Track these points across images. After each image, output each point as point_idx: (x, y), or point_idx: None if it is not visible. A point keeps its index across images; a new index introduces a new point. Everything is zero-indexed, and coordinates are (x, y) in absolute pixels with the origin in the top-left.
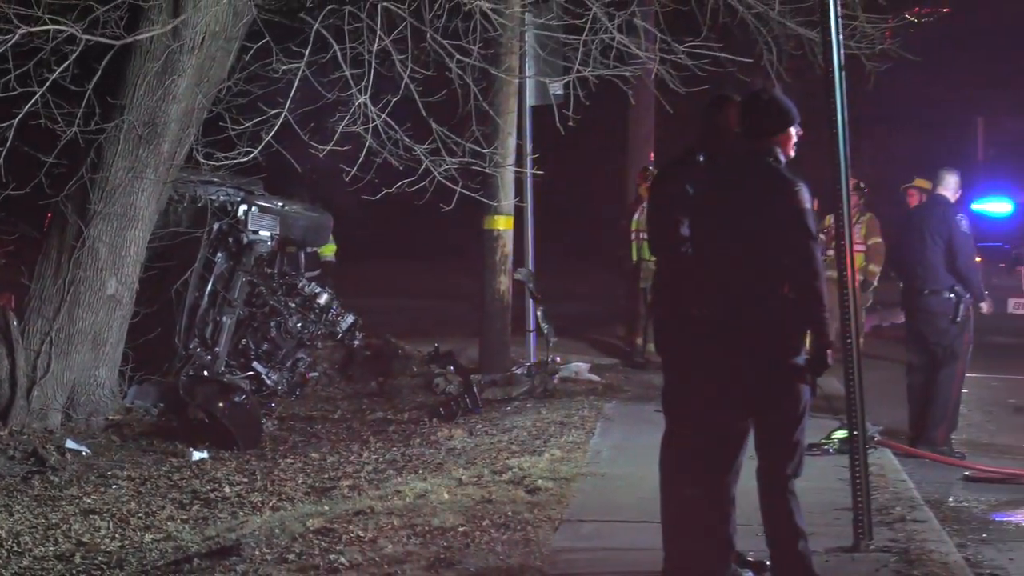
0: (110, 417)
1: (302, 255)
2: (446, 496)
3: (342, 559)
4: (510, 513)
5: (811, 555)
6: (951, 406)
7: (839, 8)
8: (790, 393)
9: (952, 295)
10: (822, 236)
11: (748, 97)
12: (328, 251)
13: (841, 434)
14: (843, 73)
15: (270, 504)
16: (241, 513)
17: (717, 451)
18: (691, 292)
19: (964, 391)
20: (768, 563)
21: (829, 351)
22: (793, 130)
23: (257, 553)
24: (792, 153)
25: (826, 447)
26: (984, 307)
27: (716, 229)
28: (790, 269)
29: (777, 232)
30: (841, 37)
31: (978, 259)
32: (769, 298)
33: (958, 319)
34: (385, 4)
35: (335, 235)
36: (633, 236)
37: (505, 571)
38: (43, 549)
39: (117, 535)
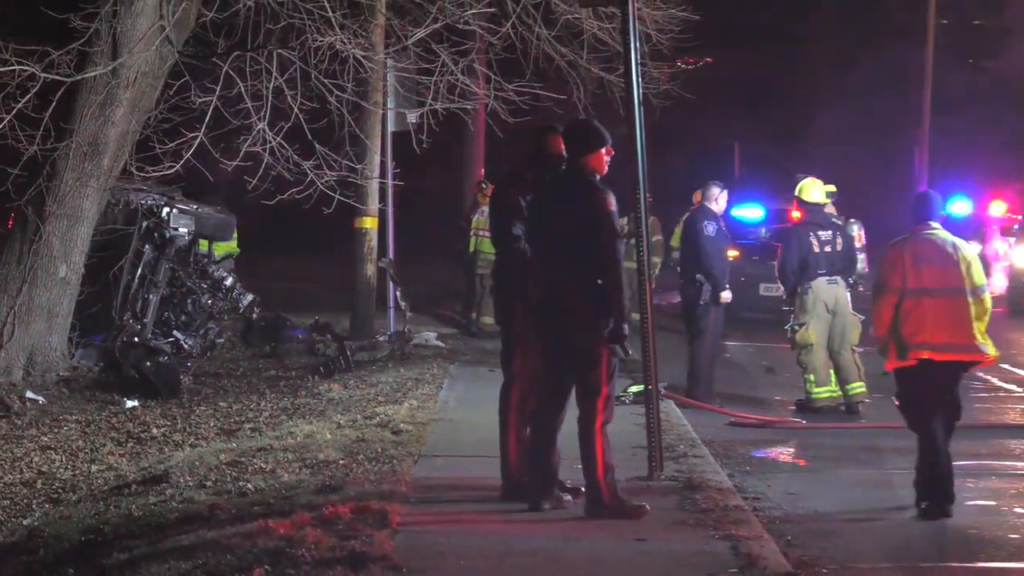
0: (61, 374)
1: (211, 247)
2: (328, 436)
3: (249, 485)
4: (379, 450)
5: (616, 483)
6: (704, 368)
7: (639, 58)
8: (600, 356)
9: (698, 283)
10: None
11: (569, 125)
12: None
13: (635, 389)
14: (642, 108)
15: (189, 442)
16: (166, 449)
17: (545, 400)
18: (525, 278)
19: (727, 356)
20: (583, 488)
21: (625, 324)
22: (604, 150)
23: (182, 480)
24: (605, 170)
25: (623, 399)
26: (724, 296)
27: (544, 230)
28: (598, 261)
29: (589, 231)
30: (640, 80)
31: (735, 253)
32: (583, 284)
33: (701, 302)
34: (279, 51)
35: (240, 232)
36: (472, 233)
37: (377, 495)
38: (11, 477)
39: (69, 466)
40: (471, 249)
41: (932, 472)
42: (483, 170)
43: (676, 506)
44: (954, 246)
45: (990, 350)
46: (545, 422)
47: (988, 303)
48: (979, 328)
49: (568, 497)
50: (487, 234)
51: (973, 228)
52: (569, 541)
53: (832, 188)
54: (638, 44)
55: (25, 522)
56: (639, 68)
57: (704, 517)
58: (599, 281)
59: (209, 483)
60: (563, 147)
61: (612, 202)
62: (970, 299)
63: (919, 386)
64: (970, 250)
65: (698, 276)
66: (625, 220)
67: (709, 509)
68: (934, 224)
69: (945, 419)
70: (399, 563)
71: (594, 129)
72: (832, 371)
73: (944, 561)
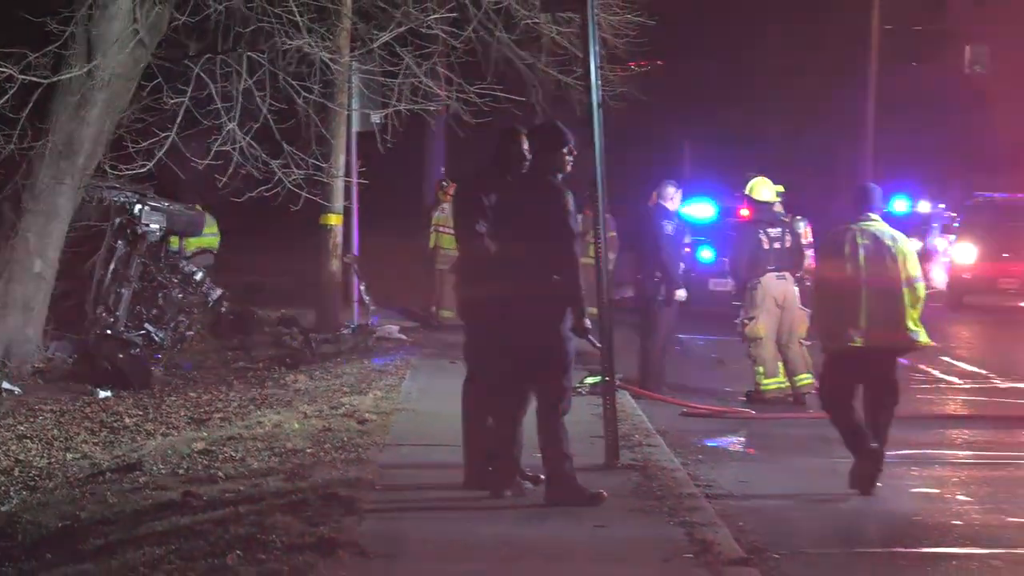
0: (36, 365)
1: (182, 243)
2: (296, 425)
3: (220, 473)
4: (346, 439)
5: (575, 471)
6: (656, 362)
7: (598, 62)
8: (559, 349)
9: (656, 280)
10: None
11: (533, 125)
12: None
13: (591, 380)
14: (600, 110)
15: (160, 431)
16: (139, 438)
17: (506, 391)
18: (488, 274)
19: (678, 348)
20: (543, 476)
21: (585, 318)
22: (566, 150)
23: (155, 468)
24: (568, 169)
25: (579, 390)
26: (679, 294)
27: (506, 228)
28: (557, 258)
29: (548, 229)
30: (599, 83)
31: (687, 250)
32: (544, 279)
33: (659, 298)
34: (249, 54)
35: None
36: (432, 229)
37: (345, 483)
38: None
39: (45, 454)
40: (431, 245)
41: (859, 446)
42: (444, 168)
43: (633, 493)
44: (892, 238)
45: (922, 338)
46: (507, 413)
47: (921, 292)
48: (912, 316)
49: (529, 485)
50: (447, 230)
51: (915, 224)
52: (530, 527)
53: (781, 188)
54: (597, 48)
55: (3, 508)
56: (599, 71)
57: (660, 504)
58: (555, 277)
59: (181, 471)
60: (526, 147)
61: (570, 201)
62: (905, 289)
63: (849, 372)
64: (908, 243)
65: (656, 273)
66: (580, 218)
67: (664, 496)
68: (873, 216)
69: (885, 402)
70: (366, 548)
71: (557, 129)
72: (781, 363)
73: (890, 547)
